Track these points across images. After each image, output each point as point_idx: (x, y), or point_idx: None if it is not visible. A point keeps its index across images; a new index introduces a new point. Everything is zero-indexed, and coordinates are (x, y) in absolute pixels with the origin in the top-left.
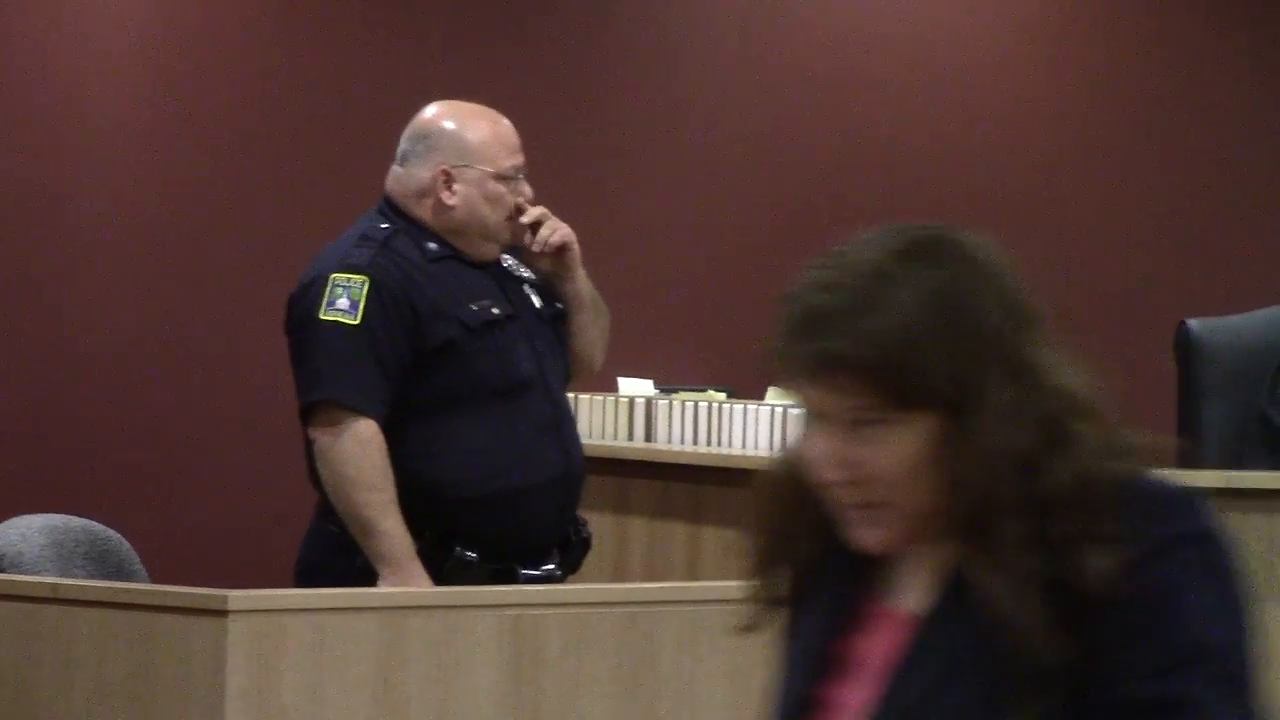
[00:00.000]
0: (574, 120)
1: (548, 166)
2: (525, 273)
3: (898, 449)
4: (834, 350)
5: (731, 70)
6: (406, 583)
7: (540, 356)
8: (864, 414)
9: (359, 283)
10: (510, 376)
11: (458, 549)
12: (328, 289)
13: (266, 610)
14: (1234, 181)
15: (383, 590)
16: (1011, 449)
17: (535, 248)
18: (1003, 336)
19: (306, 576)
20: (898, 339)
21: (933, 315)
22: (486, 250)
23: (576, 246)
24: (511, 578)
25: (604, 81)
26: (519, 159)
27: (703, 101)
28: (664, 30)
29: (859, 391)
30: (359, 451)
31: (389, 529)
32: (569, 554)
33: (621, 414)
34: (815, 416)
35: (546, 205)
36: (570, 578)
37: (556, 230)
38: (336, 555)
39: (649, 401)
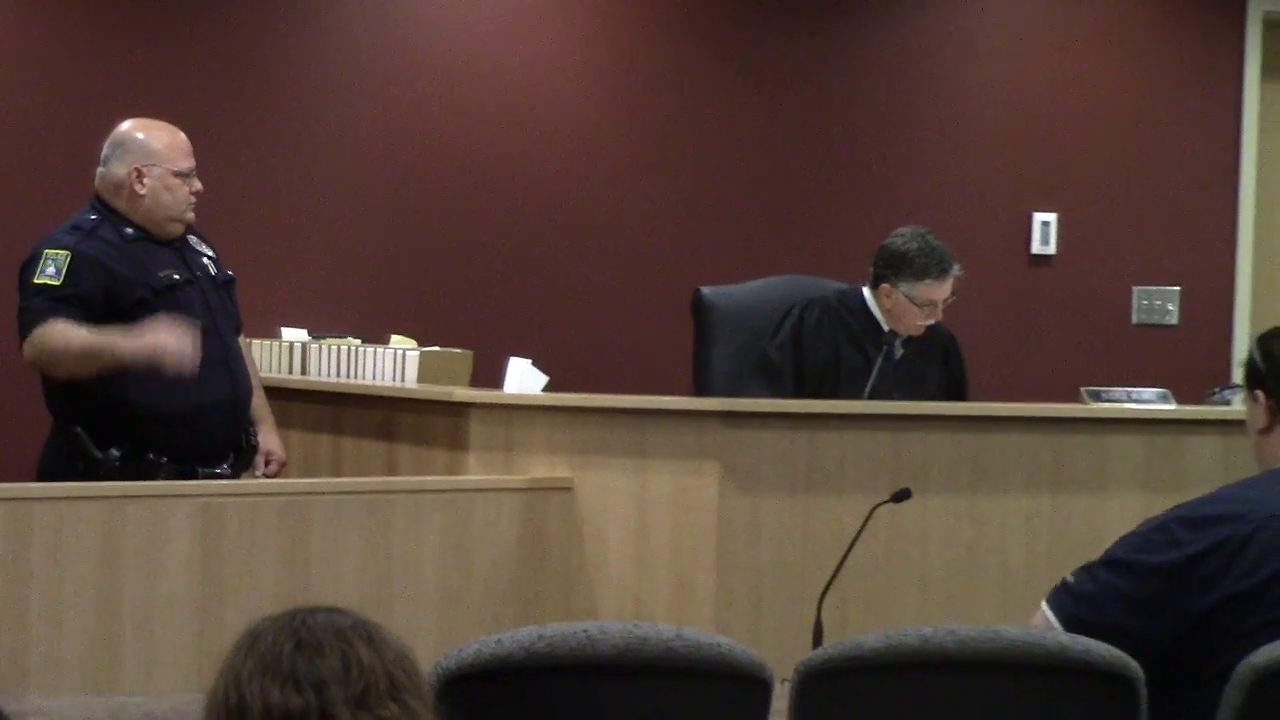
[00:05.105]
0: (243, 115)
1: (219, 158)
2: (204, 249)
3: None
4: None
5: (373, 64)
6: (135, 342)
7: (213, 311)
8: None
9: (63, 256)
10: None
11: (150, 455)
12: (41, 261)
13: (18, 499)
14: (740, 173)
15: (105, 484)
16: None
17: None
18: None
19: (45, 479)
20: None
21: None
22: (170, 229)
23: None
24: (194, 476)
25: (268, 70)
26: (191, 161)
27: (342, 95)
28: (320, 20)
29: None
30: (51, 330)
31: (97, 341)
32: (241, 456)
33: (284, 354)
34: None
35: (219, 190)
36: (244, 474)
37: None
38: (67, 463)
39: (304, 345)
